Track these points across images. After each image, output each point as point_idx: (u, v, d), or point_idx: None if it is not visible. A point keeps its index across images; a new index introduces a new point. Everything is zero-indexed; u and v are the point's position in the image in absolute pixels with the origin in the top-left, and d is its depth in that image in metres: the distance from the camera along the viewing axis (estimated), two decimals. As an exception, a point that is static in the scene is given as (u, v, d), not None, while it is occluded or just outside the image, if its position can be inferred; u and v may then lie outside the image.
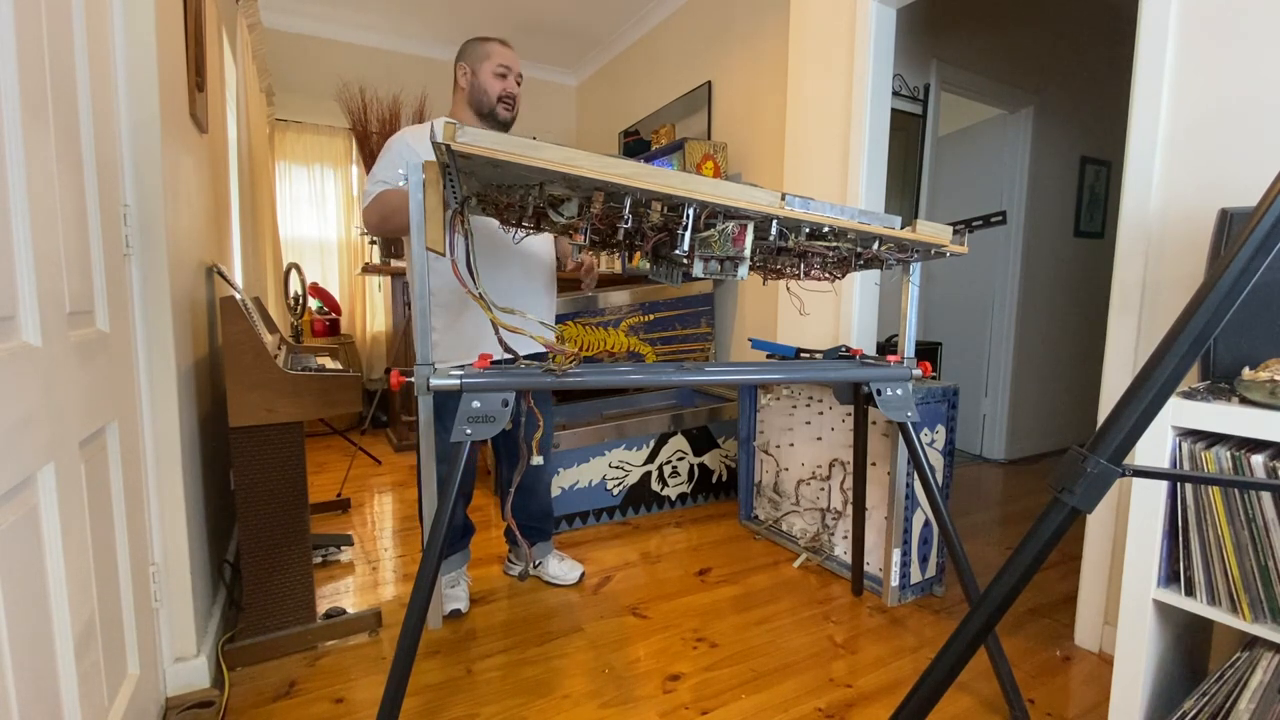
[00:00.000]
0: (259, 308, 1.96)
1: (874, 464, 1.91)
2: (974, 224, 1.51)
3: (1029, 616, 1.76)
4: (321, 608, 1.65)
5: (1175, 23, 1.41)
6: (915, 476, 1.81)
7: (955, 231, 1.30)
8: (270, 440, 1.44)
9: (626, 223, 1.03)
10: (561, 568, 1.94)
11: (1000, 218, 1.53)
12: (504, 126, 1.63)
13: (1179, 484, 1.04)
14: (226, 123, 2.33)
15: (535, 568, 1.96)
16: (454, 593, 1.77)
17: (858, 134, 2.25)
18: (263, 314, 1.97)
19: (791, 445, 2.24)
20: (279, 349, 1.73)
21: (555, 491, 2.29)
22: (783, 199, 1.09)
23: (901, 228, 1.22)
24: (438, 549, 1.02)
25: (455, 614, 1.73)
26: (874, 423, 1.90)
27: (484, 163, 0.92)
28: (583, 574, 1.96)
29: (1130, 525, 1.08)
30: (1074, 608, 1.66)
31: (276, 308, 3.44)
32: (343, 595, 1.84)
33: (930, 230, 1.26)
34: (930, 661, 0.64)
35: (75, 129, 0.94)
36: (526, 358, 1.16)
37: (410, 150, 1.58)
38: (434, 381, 1.03)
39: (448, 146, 0.88)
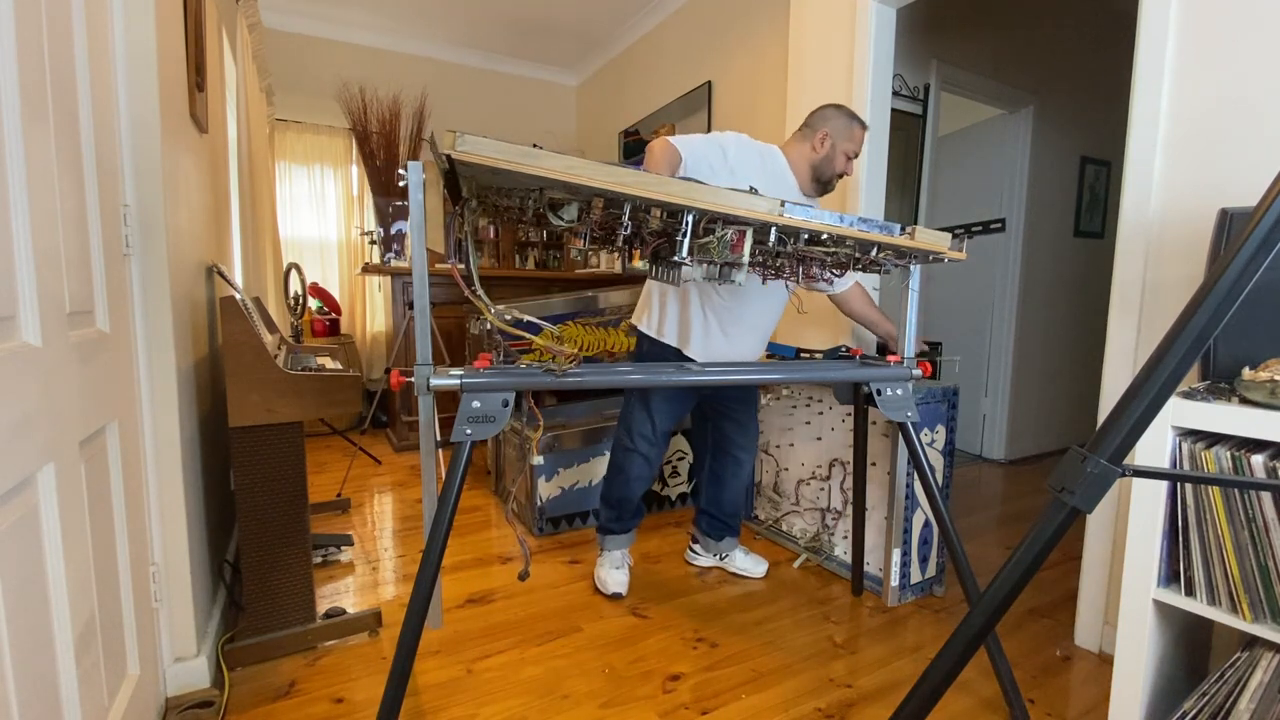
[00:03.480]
0: (259, 308, 1.96)
1: (874, 464, 1.91)
2: (973, 230, 1.51)
3: (1029, 616, 1.76)
4: (321, 608, 1.65)
5: (1175, 23, 1.41)
6: (915, 476, 1.81)
7: (954, 237, 1.30)
8: (270, 440, 1.44)
9: (626, 229, 1.03)
10: (748, 561, 1.99)
11: (999, 224, 1.53)
12: (826, 190, 1.75)
13: (1179, 484, 1.04)
14: (226, 123, 2.33)
15: (722, 560, 2.02)
16: (618, 575, 1.83)
17: (858, 134, 2.25)
18: (263, 314, 1.97)
19: (791, 445, 2.24)
20: (279, 349, 1.73)
21: (554, 492, 2.30)
22: (782, 206, 1.09)
23: (900, 233, 1.23)
24: (438, 549, 1.02)
25: (616, 597, 1.80)
26: (874, 423, 1.90)
27: (484, 170, 0.93)
28: (768, 568, 2.00)
29: (1130, 525, 1.08)
30: (1074, 608, 1.66)
31: (276, 308, 3.44)
32: (343, 595, 1.84)
33: (929, 237, 1.26)
34: (930, 661, 0.64)
35: (75, 129, 0.94)
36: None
37: (720, 150, 1.59)
38: (434, 381, 1.03)
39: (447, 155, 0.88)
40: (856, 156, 1.70)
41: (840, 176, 1.71)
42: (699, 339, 1.72)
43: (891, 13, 2.22)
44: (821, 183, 1.71)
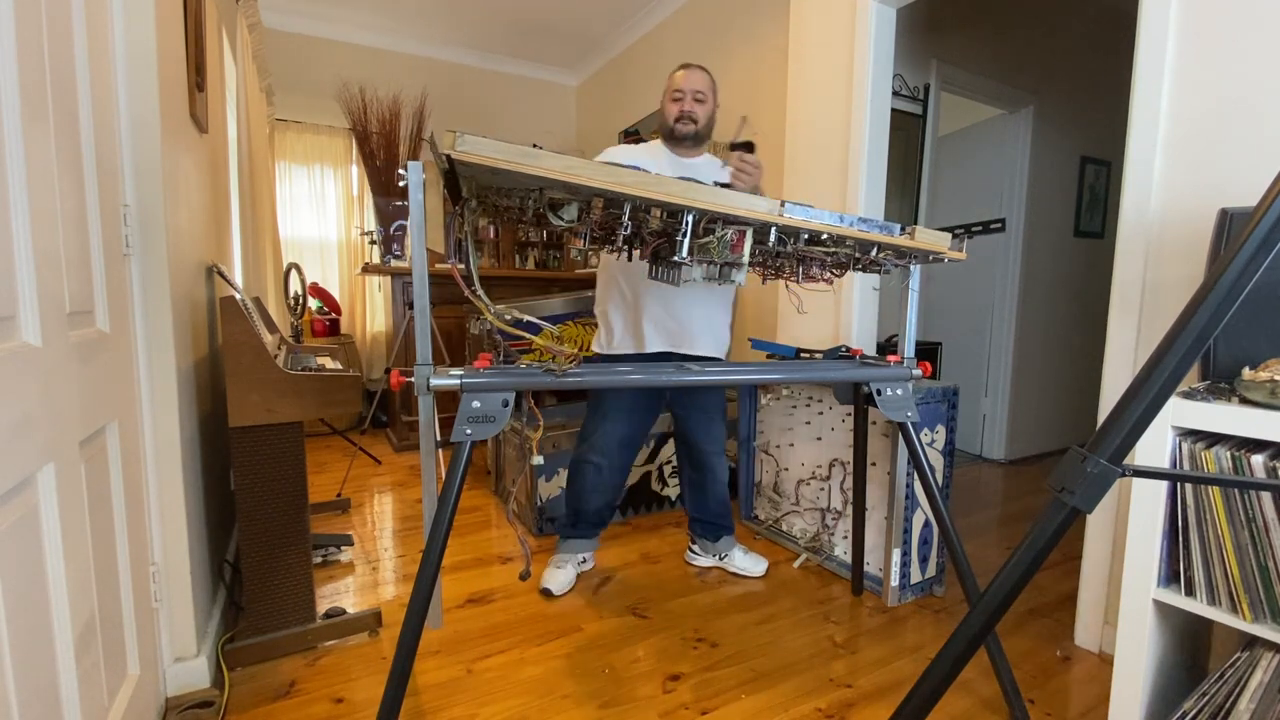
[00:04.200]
0: (259, 308, 1.96)
1: (874, 464, 1.91)
2: (973, 230, 1.53)
3: (1029, 616, 1.76)
4: (321, 608, 1.65)
5: (1175, 23, 1.41)
6: (915, 476, 1.80)
7: (954, 237, 1.30)
8: (270, 440, 1.44)
9: (626, 229, 1.03)
10: (747, 560, 1.99)
11: (999, 224, 1.55)
12: (686, 140, 1.75)
13: (1179, 484, 1.04)
14: (226, 123, 2.33)
15: (722, 559, 2.02)
16: (557, 574, 1.86)
17: (858, 134, 2.25)
18: (263, 314, 1.97)
19: (791, 445, 2.24)
20: (279, 349, 1.73)
21: (554, 492, 2.30)
22: (782, 206, 1.09)
23: (900, 233, 1.22)
24: (438, 549, 1.02)
25: (546, 593, 1.82)
26: (874, 423, 1.90)
27: (484, 170, 0.93)
28: (767, 567, 2.00)
29: (1130, 525, 1.08)
30: (1074, 608, 1.66)
31: (276, 308, 3.44)
32: (343, 595, 1.84)
33: (929, 237, 1.26)
34: (930, 661, 0.64)
35: (75, 129, 0.94)
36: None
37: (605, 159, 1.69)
38: (434, 381, 1.03)
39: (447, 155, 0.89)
40: (687, 98, 1.71)
41: (683, 118, 1.72)
42: (651, 330, 1.76)
43: (891, 13, 2.22)
44: (668, 135, 1.76)
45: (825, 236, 1.18)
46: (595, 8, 3.76)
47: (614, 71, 4.34)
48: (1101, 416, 1.45)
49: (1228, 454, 0.97)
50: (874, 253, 1.28)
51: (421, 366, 1.03)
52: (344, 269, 4.17)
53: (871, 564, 1.91)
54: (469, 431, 1.05)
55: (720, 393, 1.94)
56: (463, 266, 1.07)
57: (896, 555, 1.80)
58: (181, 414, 1.30)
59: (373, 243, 3.90)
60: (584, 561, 1.97)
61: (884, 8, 2.20)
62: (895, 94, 2.69)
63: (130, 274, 1.20)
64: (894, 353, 1.47)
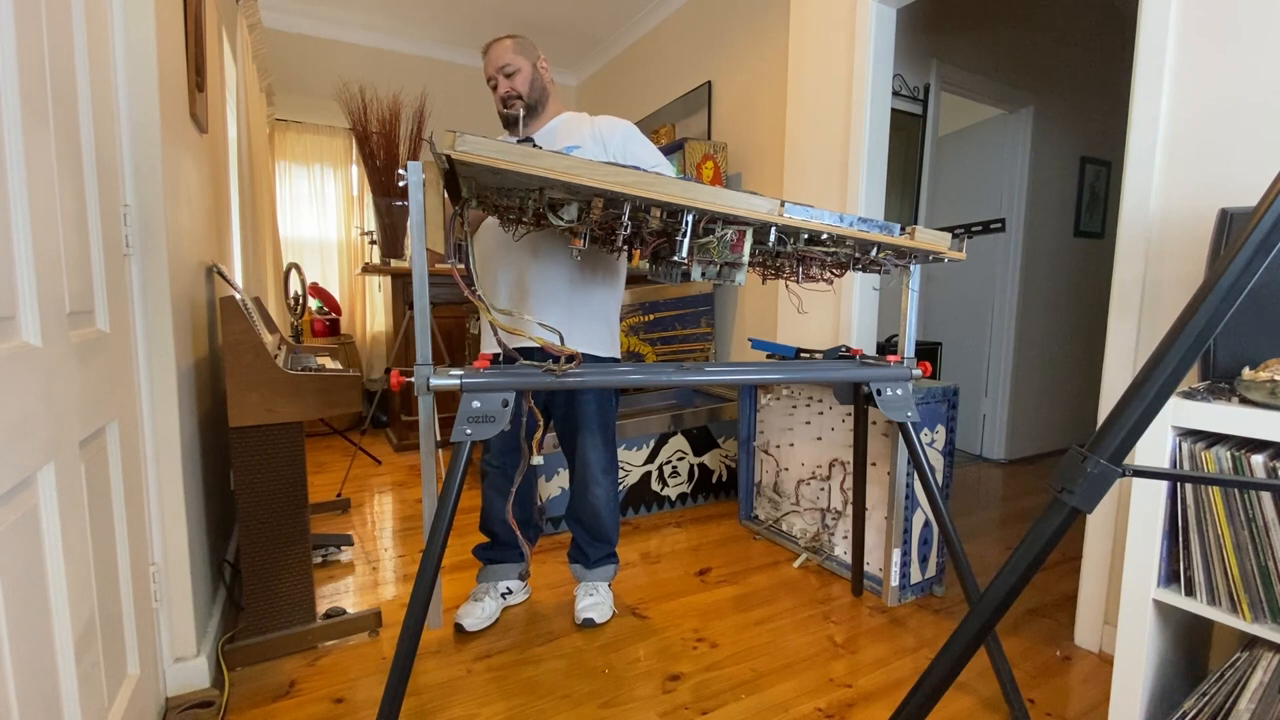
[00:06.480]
0: (259, 308, 1.96)
1: (874, 464, 1.91)
2: (973, 230, 1.52)
3: (1029, 616, 1.76)
4: (321, 608, 1.65)
5: (1175, 23, 1.41)
6: (915, 476, 1.81)
7: (954, 237, 1.30)
8: (270, 440, 1.44)
9: (626, 229, 1.03)
10: (587, 602, 1.71)
11: (999, 224, 1.54)
12: (519, 120, 1.62)
13: (1179, 484, 1.04)
14: (226, 123, 2.33)
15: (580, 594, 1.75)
16: (471, 606, 1.66)
17: (857, 134, 2.25)
18: (263, 314, 1.97)
19: (791, 445, 2.24)
20: (279, 349, 1.73)
21: (554, 492, 2.30)
22: (782, 206, 1.09)
23: (900, 233, 1.23)
24: (438, 549, 1.02)
25: (458, 629, 1.62)
26: (874, 423, 1.90)
27: (484, 170, 0.93)
28: (609, 618, 1.72)
29: (1130, 525, 1.08)
30: (1074, 608, 1.66)
31: (276, 308, 3.44)
32: (343, 595, 1.84)
33: (929, 237, 1.26)
34: (930, 661, 0.64)
35: (75, 129, 0.94)
36: (523, 352, 1.18)
37: None
38: (434, 381, 1.03)
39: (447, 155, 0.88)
40: (498, 76, 1.60)
41: (504, 100, 1.61)
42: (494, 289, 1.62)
43: (891, 13, 2.22)
44: (505, 124, 1.66)
45: (825, 236, 1.18)
46: (595, 8, 3.76)
47: (614, 71, 4.34)
48: (1101, 416, 1.45)
49: (1228, 454, 0.97)
50: (874, 253, 1.28)
51: (421, 366, 1.03)
52: (344, 269, 4.17)
53: (871, 564, 1.91)
54: (469, 431, 1.05)
55: (595, 404, 1.66)
56: (462, 267, 1.07)
57: (896, 555, 1.80)
58: (181, 414, 1.30)
59: (373, 243, 3.90)
60: (508, 593, 1.75)
61: (884, 8, 2.20)
62: (895, 94, 2.70)
63: (130, 274, 1.20)
64: (894, 353, 1.47)
